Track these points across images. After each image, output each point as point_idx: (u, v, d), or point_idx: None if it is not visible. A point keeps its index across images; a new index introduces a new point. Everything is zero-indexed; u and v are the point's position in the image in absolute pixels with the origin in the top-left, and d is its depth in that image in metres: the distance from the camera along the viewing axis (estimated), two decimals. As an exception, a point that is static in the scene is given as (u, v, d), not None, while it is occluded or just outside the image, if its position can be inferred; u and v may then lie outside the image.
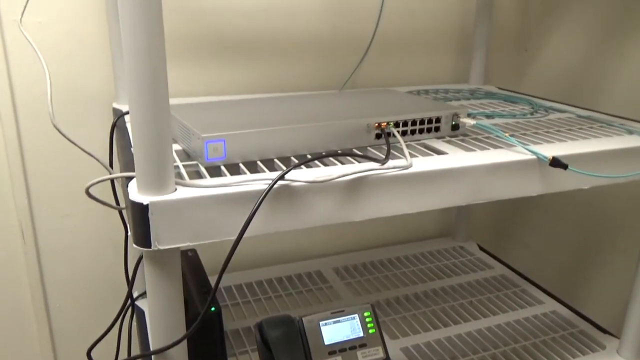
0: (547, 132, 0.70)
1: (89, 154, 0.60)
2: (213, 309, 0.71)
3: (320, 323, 0.67)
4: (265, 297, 0.93)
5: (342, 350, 0.66)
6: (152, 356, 0.51)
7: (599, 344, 0.82)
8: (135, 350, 0.95)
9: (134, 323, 0.93)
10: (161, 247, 0.45)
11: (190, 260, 0.84)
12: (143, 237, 0.45)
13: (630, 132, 0.70)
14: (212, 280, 0.97)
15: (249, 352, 0.79)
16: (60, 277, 0.92)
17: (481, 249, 1.12)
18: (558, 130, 0.71)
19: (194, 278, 0.78)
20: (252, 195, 0.47)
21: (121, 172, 0.54)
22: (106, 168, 0.62)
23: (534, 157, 0.58)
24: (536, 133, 0.69)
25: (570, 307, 0.91)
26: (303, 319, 0.67)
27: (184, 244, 0.46)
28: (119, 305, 0.93)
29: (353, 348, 0.66)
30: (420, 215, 1.16)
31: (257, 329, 0.65)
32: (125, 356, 0.90)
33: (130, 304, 0.85)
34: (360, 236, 1.11)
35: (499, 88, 1.02)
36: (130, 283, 0.82)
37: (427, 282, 0.99)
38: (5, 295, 0.89)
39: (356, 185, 0.51)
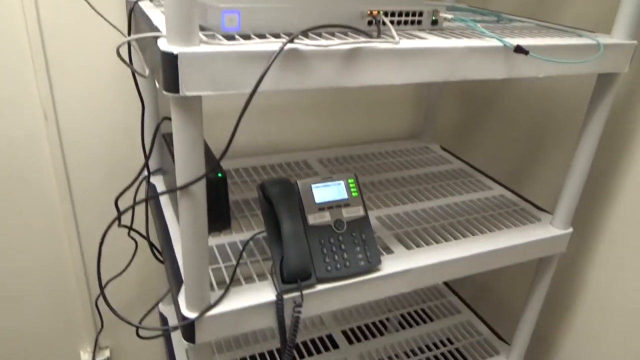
0: (512, 33, 0.72)
1: (112, 24, 0.59)
2: (220, 175, 0.74)
3: (313, 186, 0.70)
4: (260, 179, 0.96)
5: (330, 208, 0.70)
6: (178, 192, 0.53)
7: (536, 217, 0.88)
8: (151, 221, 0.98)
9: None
10: (188, 94, 0.47)
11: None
12: (173, 84, 0.46)
13: (580, 36, 0.73)
14: (224, 162, 0.99)
15: (248, 217, 0.83)
16: (82, 158, 0.93)
17: (443, 149, 1.16)
18: (520, 32, 0.73)
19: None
20: (266, 54, 0.49)
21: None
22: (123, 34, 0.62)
23: (501, 44, 0.61)
24: (501, 32, 0.71)
25: (515, 192, 0.97)
26: (298, 182, 0.70)
27: (206, 93, 0.48)
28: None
29: (339, 206, 0.70)
30: (392, 118, 1.19)
31: (260, 188, 0.68)
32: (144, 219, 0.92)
33: (145, 167, 0.87)
34: (342, 134, 1.14)
35: (470, 5, 1.02)
36: (148, 155, 0.84)
37: (395, 171, 1.03)
38: (30, 176, 0.90)
39: (354, 55, 0.53)
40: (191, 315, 0.60)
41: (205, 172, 0.53)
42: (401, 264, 0.73)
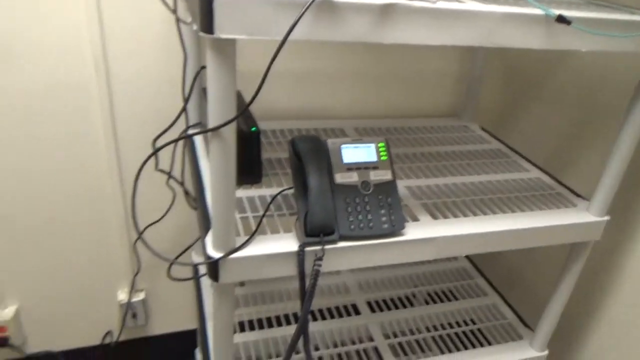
0: (558, 5, 0.70)
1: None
2: (253, 129, 0.76)
3: (342, 146, 0.71)
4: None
5: (358, 169, 0.71)
6: (209, 134, 0.56)
7: (571, 202, 0.86)
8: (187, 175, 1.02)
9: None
10: (222, 36, 0.49)
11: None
12: (208, 25, 0.48)
13: (632, 13, 0.70)
14: (262, 123, 1.02)
15: (279, 175, 0.85)
16: (127, 104, 0.98)
17: (483, 129, 1.14)
18: (568, 6, 0.70)
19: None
20: (300, 2, 0.50)
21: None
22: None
23: (542, 12, 0.59)
24: (547, 4, 0.69)
25: (552, 176, 0.95)
26: (328, 141, 0.71)
27: (240, 36, 0.50)
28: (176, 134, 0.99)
29: (367, 168, 0.71)
30: (432, 94, 1.17)
31: (291, 143, 0.70)
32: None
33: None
34: (379, 106, 1.14)
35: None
36: (186, 101, 0.87)
37: (430, 146, 1.02)
38: (79, 122, 0.96)
39: (388, 11, 0.53)
40: (216, 255, 0.63)
41: (235, 116, 0.55)
42: (425, 231, 0.73)
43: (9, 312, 1.08)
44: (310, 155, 0.67)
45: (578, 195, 0.88)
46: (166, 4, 0.56)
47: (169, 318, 1.23)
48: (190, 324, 1.27)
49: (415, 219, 0.76)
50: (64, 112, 0.94)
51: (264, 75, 0.52)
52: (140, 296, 1.16)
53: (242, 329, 0.95)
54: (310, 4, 0.49)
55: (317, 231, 0.66)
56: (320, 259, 0.66)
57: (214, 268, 0.63)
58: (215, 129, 0.55)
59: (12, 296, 1.08)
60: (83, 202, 1.03)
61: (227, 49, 0.51)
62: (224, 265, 0.63)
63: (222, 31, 0.49)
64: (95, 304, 1.15)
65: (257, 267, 0.65)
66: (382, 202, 0.70)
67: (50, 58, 0.89)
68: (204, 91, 0.87)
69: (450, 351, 0.95)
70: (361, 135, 1.04)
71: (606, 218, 0.82)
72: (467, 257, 1.22)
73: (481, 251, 0.76)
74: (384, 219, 0.70)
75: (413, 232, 0.72)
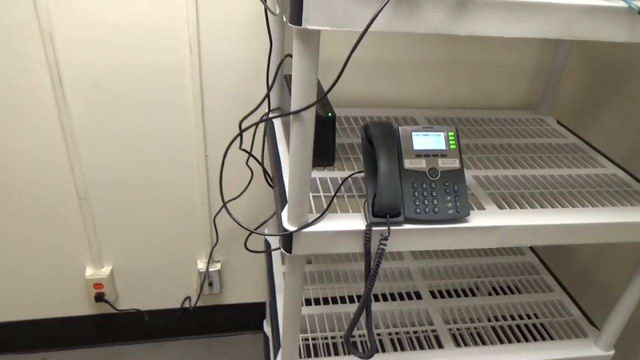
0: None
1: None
2: (329, 114, 0.81)
3: (413, 133, 0.74)
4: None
5: (427, 156, 0.74)
6: (291, 117, 0.61)
7: (648, 201, 0.84)
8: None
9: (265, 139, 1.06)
10: (309, 27, 0.54)
11: (314, 84, 0.94)
12: (297, 17, 0.53)
13: None
14: (337, 110, 1.07)
15: (351, 159, 0.89)
16: (215, 86, 1.06)
17: (559, 123, 1.12)
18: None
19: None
20: (381, -4, 0.53)
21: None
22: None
23: (625, 5, 0.59)
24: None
25: (630, 173, 0.92)
26: (399, 127, 0.75)
27: (325, 27, 0.54)
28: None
29: (435, 156, 0.74)
30: (508, 86, 1.16)
31: (363, 129, 0.74)
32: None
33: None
34: (453, 96, 1.15)
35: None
36: (270, 87, 0.94)
37: (502, 138, 1.02)
38: (173, 101, 1.05)
39: (465, 4, 0.56)
40: (291, 228, 0.68)
41: (315, 101, 0.60)
42: (490, 220, 0.74)
43: (105, 270, 1.21)
44: (381, 140, 0.71)
45: (657, 194, 0.86)
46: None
47: (241, 289, 1.32)
48: (261, 297, 1.35)
49: (481, 207, 0.78)
50: (162, 88, 1.03)
51: (344, 64, 0.56)
52: (216, 267, 1.25)
53: (309, 304, 1.01)
54: (389, -2, 0.53)
55: (384, 212, 0.70)
56: (386, 238, 0.70)
57: (288, 240, 0.69)
58: (297, 112, 0.60)
59: (109, 257, 1.21)
60: (173, 173, 1.13)
61: (312, 39, 0.56)
62: (297, 238, 0.69)
63: (309, 22, 0.54)
64: (177, 270, 1.26)
65: (327, 242, 0.70)
66: (449, 188, 0.73)
67: (152, 40, 0.98)
68: (285, 79, 0.93)
69: (510, 342, 0.95)
70: (431, 124, 1.06)
71: (686, 219, 0.79)
72: (536, 253, 1.21)
73: (545, 243, 0.76)
74: (449, 205, 0.72)
75: (478, 219, 0.74)
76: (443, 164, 0.74)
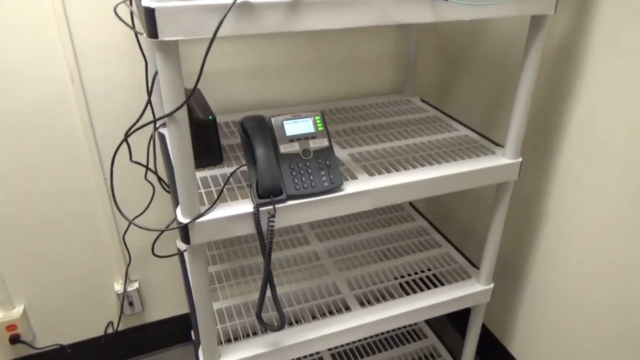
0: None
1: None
2: (210, 117, 0.90)
3: (284, 121, 0.85)
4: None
5: (299, 139, 0.85)
6: (167, 120, 0.69)
7: (491, 151, 1.01)
8: (160, 165, 1.15)
9: (158, 147, 1.12)
10: (165, 39, 0.63)
11: (196, 94, 1.02)
12: (153, 31, 0.62)
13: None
14: (224, 115, 1.16)
15: (240, 157, 0.99)
16: (103, 110, 1.11)
17: (423, 101, 1.29)
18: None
19: (198, 103, 0.97)
20: (222, 6, 0.64)
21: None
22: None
23: (427, -8, 0.74)
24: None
25: (477, 132, 1.09)
26: (272, 118, 0.85)
27: (179, 37, 0.63)
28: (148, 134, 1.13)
29: (306, 138, 0.85)
30: (375, 75, 1.32)
31: (240, 124, 0.83)
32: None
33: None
34: (328, 91, 1.28)
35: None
36: (149, 99, 1.00)
37: (372, 119, 1.17)
38: (62, 130, 1.09)
39: (296, 5, 0.67)
40: (185, 220, 0.76)
41: (183, 101, 0.68)
42: (361, 186, 0.87)
43: (17, 311, 1.20)
44: (256, 131, 0.81)
45: (497, 145, 1.03)
46: (125, 22, 0.69)
47: (164, 305, 1.36)
48: (185, 309, 1.40)
49: (354, 177, 0.90)
50: (50, 119, 1.07)
51: (201, 66, 0.65)
52: (134, 286, 1.29)
53: (226, 298, 1.08)
54: (231, 6, 0.63)
55: (267, 193, 0.80)
56: (273, 216, 0.80)
57: (184, 232, 0.77)
58: (169, 114, 0.69)
59: (19, 296, 1.20)
60: (72, 202, 1.16)
61: (171, 49, 0.65)
62: (193, 228, 0.77)
63: (165, 34, 0.62)
64: (95, 296, 1.28)
65: (222, 228, 0.79)
66: (322, 164, 0.84)
67: (33, 74, 1.02)
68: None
69: (408, 294, 1.09)
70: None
71: (519, 160, 0.96)
72: (425, 218, 1.37)
73: (413, 198, 0.90)
74: (324, 178, 0.84)
75: (351, 187, 0.86)
76: (314, 144, 0.85)
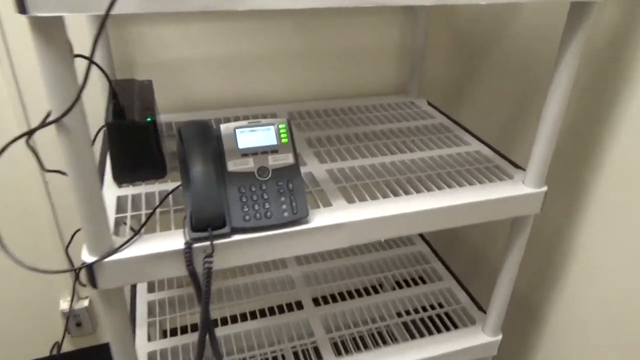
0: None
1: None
2: (149, 119, 0.71)
3: (237, 130, 0.66)
4: (219, 130, 0.93)
5: (255, 154, 0.65)
6: (56, 127, 0.51)
7: (508, 175, 0.80)
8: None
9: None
10: (38, 14, 0.43)
11: (142, 86, 0.83)
12: (21, 4, 0.43)
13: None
14: (188, 114, 0.97)
15: (192, 167, 0.80)
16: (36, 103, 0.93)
17: (430, 104, 1.08)
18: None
19: (140, 99, 0.78)
20: (124, -30, 0.44)
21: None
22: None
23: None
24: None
25: (492, 148, 0.88)
26: (220, 125, 0.66)
27: (60, 13, 0.44)
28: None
29: (265, 153, 0.66)
30: (375, 71, 1.11)
31: (178, 132, 0.64)
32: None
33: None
34: (318, 87, 1.08)
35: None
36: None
37: (367, 125, 0.96)
38: (-6, 119, 0.91)
39: (235, -27, 0.48)
40: (90, 259, 0.58)
41: (72, 104, 0.49)
42: (336, 217, 0.67)
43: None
44: (194, 142, 0.62)
45: (517, 166, 0.82)
46: None
47: (121, 323, 1.19)
48: (146, 328, 1.23)
49: (328, 204, 0.70)
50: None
51: (91, 52, 0.46)
52: (84, 304, 1.12)
53: (165, 336, 0.90)
54: (134, -29, 0.44)
55: (203, 225, 0.60)
56: (211, 255, 0.60)
57: (90, 273, 0.58)
58: (56, 120, 0.50)
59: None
60: (15, 213, 0.99)
61: (51, 30, 0.46)
62: (101, 269, 0.58)
63: (37, 8, 0.43)
64: (39, 315, 1.11)
65: (142, 269, 0.60)
66: (283, 188, 0.65)
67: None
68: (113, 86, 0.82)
69: (395, 342, 0.89)
70: (294, 119, 0.98)
71: (543, 189, 0.75)
72: (426, 241, 1.16)
73: (400, 234, 0.70)
74: (284, 207, 0.64)
75: (321, 218, 0.66)
76: (274, 161, 0.66)
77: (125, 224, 0.66)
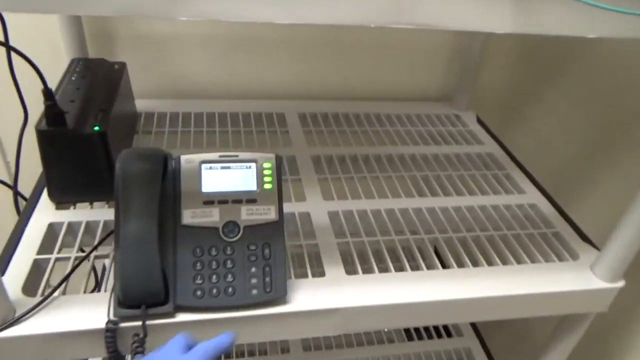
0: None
1: None
2: (97, 128, 0.53)
3: (203, 166, 0.48)
4: (209, 130, 0.74)
5: (223, 202, 0.47)
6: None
7: (573, 251, 0.59)
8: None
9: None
10: None
11: (110, 72, 0.65)
12: None
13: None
14: (144, 102, 0.78)
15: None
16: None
17: (479, 121, 0.86)
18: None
19: (100, 93, 0.60)
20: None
21: None
22: None
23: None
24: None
25: (555, 203, 0.67)
26: (181, 157, 0.48)
27: None
28: None
29: (237, 201, 0.47)
30: (418, 72, 0.89)
31: (119, 159, 0.46)
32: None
33: None
34: (340, 84, 0.87)
35: None
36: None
37: (396, 145, 0.76)
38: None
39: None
40: (-24, 332, 0.42)
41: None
42: (325, 297, 0.49)
43: None
44: (132, 183, 0.44)
45: (585, 239, 0.61)
46: None
47: None
48: None
49: (319, 273, 0.52)
50: None
51: None
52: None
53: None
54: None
55: (135, 300, 0.44)
56: (142, 340, 0.44)
57: (-25, 347, 0.43)
58: None
59: None
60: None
61: None
62: (-9, 345, 0.43)
63: None
64: None
65: (48, 350, 0.44)
66: (255, 254, 0.47)
67: None
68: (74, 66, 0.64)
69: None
70: (303, 124, 0.78)
71: (618, 284, 0.55)
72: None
73: (409, 325, 0.52)
74: (253, 281, 0.47)
75: (304, 298, 0.49)
76: (249, 214, 0.47)
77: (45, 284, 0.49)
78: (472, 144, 0.79)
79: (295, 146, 0.72)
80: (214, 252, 0.46)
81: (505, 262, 0.57)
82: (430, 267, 0.55)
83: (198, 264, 0.46)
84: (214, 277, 0.46)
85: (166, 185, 0.46)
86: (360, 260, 0.55)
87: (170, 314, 0.45)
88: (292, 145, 0.73)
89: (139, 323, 0.44)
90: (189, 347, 0.40)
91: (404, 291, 0.51)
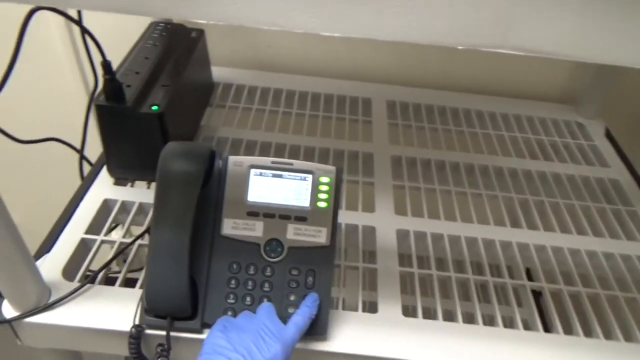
0: None
1: None
2: (155, 107, 0.50)
3: (252, 171, 0.42)
4: (286, 110, 0.68)
5: (269, 216, 0.42)
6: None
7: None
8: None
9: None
10: None
11: (187, 41, 0.61)
12: None
13: None
14: (224, 71, 0.73)
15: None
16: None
17: (608, 135, 0.71)
18: None
19: (169, 66, 0.56)
20: None
21: None
22: None
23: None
24: None
25: (691, 262, 0.53)
26: (229, 158, 0.42)
27: None
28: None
29: (286, 217, 0.42)
30: (540, 68, 0.74)
31: (161, 154, 0.42)
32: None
33: None
34: (446, 71, 0.76)
35: None
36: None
37: (499, 156, 0.65)
38: None
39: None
40: (10, 313, 0.42)
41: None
42: (371, 342, 0.42)
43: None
44: (168, 182, 0.40)
45: None
46: None
47: None
48: None
49: (372, 306, 0.45)
50: None
51: None
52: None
53: None
54: None
55: (160, 311, 0.40)
56: (165, 351, 0.41)
57: (11, 327, 0.43)
58: None
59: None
60: None
61: None
62: (21, 328, 0.42)
63: None
64: None
65: (73, 339, 0.43)
66: (297, 280, 0.41)
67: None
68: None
69: None
70: (392, 116, 0.69)
71: None
72: None
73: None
74: (290, 310, 0.41)
75: (346, 337, 0.42)
76: (296, 234, 0.42)
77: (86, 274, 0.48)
78: (594, 165, 0.65)
79: (376, 141, 0.64)
80: (251, 271, 0.41)
81: (629, 338, 0.45)
82: (508, 322, 0.46)
83: (233, 281, 0.41)
84: (248, 298, 0.41)
85: (210, 187, 0.42)
86: (422, 292, 0.47)
87: (197, 330, 0.41)
88: (373, 141, 0.64)
89: (161, 332, 0.41)
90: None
91: (475, 353, 0.42)
